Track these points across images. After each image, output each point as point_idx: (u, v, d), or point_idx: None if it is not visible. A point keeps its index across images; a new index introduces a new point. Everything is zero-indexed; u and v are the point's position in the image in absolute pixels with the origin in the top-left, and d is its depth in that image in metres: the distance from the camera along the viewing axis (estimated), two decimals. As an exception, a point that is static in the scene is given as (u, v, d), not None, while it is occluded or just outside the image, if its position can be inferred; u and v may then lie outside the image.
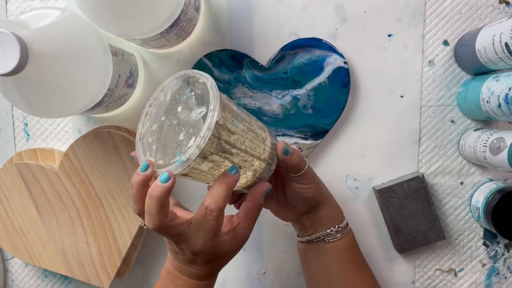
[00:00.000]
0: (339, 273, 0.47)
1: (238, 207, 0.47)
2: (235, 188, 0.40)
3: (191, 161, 0.35)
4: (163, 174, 0.35)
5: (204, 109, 0.37)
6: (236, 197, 0.47)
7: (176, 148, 0.37)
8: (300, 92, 0.55)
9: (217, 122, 0.35)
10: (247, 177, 0.41)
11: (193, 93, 0.38)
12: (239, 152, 0.38)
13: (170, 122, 0.39)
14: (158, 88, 0.40)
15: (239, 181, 0.41)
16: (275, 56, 0.55)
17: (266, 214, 0.55)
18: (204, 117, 0.36)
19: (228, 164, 0.38)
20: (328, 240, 0.46)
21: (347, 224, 0.48)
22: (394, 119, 0.56)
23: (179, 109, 0.39)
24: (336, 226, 0.46)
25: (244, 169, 0.40)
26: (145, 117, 0.40)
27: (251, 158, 0.40)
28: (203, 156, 0.35)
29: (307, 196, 0.45)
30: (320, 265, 0.48)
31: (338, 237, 0.46)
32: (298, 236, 0.50)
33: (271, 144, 0.42)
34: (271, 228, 0.58)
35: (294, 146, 0.55)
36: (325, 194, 0.47)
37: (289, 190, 0.46)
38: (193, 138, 0.36)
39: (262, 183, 0.42)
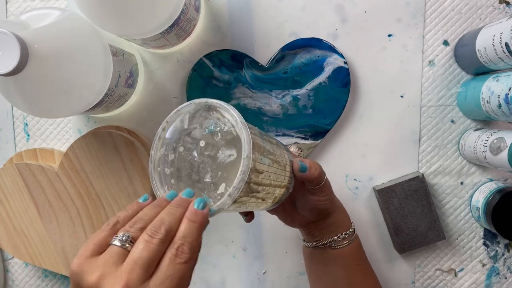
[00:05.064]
0: (345, 279, 0.47)
1: (249, 221, 0.45)
2: (253, 210, 0.38)
3: (223, 210, 0.33)
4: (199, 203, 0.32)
5: (234, 153, 0.34)
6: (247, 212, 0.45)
7: (203, 191, 0.35)
8: (300, 92, 0.55)
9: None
10: (267, 204, 0.40)
11: (218, 128, 0.35)
12: (264, 187, 0.36)
13: (190, 155, 0.36)
14: (172, 112, 0.37)
15: (258, 206, 0.39)
16: (275, 56, 0.55)
17: (266, 214, 0.55)
18: (233, 161, 0.34)
19: (254, 201, 0.36)
20: (335, 246, 0.46)
21: (354, 230, 0.47)
22: (394, 119, 0.56)
23: (202, 143, 0.35)
24: (343, 233, 0.46)
25: (266, 199, 0.38)
26: (158, 141, 0.36)
27: (274, 188, 0.38)
28: (233, 201, 0.33)
29: (320, 207, 0.44)
30: (325, 270, 0.47)
31: (345, 243, 0.46)
32: (304, 240, 0.49)
33: (290, 168, 0.41)
34: (271, 228, 0.58)
35: (294, 147, 0.55)
36: (336, 203, 0.46)
37: (301, 200, 0.45)
38: (223, 185, 0.34)
39: None
